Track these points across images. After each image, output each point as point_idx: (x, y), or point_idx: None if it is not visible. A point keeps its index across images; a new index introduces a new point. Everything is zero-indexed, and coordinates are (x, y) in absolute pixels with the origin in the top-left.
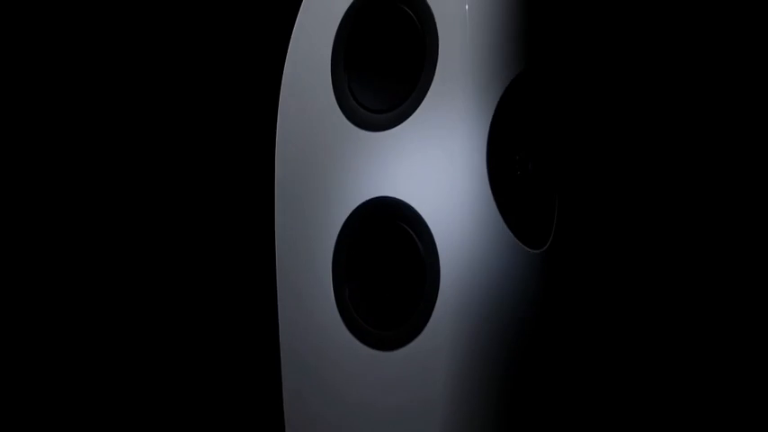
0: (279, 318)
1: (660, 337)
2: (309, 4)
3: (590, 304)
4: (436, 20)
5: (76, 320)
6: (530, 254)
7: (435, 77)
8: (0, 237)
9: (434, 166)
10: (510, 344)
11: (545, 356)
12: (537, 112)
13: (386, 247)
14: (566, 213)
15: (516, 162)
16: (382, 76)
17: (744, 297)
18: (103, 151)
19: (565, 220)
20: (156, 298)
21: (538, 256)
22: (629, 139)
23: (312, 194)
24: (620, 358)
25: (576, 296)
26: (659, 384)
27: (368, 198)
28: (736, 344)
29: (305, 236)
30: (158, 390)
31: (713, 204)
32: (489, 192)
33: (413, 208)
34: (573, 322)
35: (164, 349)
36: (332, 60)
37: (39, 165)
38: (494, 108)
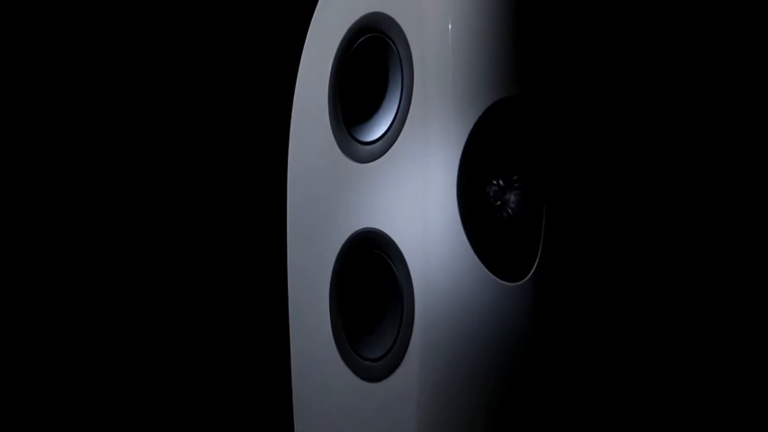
0: (290, 344)
1: (650, 380)
2: (313, 36)
3: (578, 339)
4: (411, 49)
5: (81, 325)
6: (505, 287)
7: (411, 108)
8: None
9: (411, 199)
10: (488, 378)
11: (525, 389)
12: (517, 141)
13: (373, 280)
14: (553, 244)
15: (493, 192)
16: (372, 107)
17: (741, 324)
18: (117, 178)
19: (552, 251)
20: (179, 313)
21: (516, 289)
22: (617, 167)
23: (312, 224)
24: (601, 392)
25: (564, 330)
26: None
27: (357, 229)
28: (733, 376)
29: (308, 265)
30: (173, 397)
31: (704, 230)
32: (460, 224)
33: (393, 241)
34: (558, 357)
35: (182, 360)
36: (329, 92)
37: (54, 165)
38: (465, 138)
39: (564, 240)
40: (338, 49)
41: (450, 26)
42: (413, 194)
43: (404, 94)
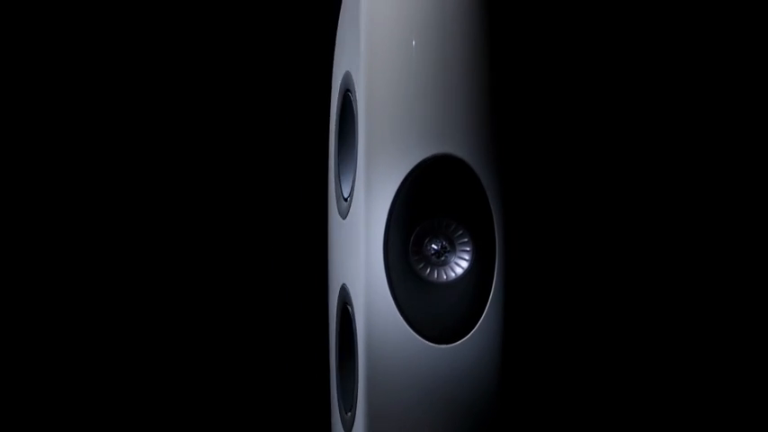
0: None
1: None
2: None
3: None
4: (358, 105)
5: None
6: (435, 349)
7: (357, 166)
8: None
9: (360, 257)
10: None
11: None
12: (458, 200)
13: (349, 338)
14: (496, 305)
15: (435, 251)
16: (351, 164)
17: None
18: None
19: (494, 312)
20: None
21: (448, 351)
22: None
23: (330, 272)
24: None
25: (498, 388)
26: None
27: (341, 284)
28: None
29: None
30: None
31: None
32: (387, 286)
33: (350, 298)
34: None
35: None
36: (333, 148)
37: (79, 163)
38: (392, 196)
39: (507, 300)
40: (336, 105)
41: (387, 83)
42: (359, 253)
43: (354, 149)
